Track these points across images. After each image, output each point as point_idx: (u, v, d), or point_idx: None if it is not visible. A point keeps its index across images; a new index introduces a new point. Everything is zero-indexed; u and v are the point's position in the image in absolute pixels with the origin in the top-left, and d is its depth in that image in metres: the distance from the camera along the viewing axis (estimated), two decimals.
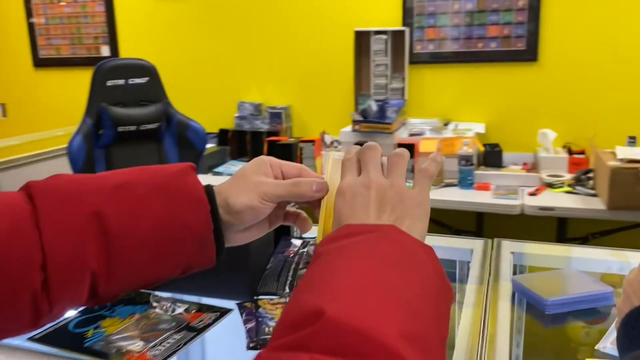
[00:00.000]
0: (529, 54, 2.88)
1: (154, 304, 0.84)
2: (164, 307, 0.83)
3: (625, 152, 2.30)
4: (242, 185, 0.59)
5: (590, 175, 2.50)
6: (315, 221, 0.68)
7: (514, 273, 0.93)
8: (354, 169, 0.55)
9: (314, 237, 1.00)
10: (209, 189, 0.57)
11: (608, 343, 0.69)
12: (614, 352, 0.68)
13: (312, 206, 0.64)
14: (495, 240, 1.07)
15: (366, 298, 0.40)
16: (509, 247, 1.03)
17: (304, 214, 0.67)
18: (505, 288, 0.85)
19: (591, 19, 2.77)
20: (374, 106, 2.78)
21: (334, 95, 3.21)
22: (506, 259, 0.98)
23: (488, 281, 0.87)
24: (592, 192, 2.40)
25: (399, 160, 0.55)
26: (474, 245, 1.05)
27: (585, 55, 2.80)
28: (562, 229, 2.55)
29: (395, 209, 0.51)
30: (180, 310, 0.83)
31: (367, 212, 0.51)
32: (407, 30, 2.95)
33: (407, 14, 2.99)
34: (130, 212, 0.53)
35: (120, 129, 1.88)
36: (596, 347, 0.69)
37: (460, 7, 2.92)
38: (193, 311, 0.83)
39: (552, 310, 0.78)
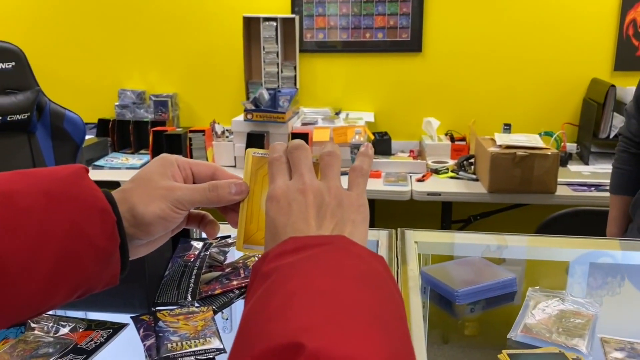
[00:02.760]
0: (414, 44, 2.98)
1: (32, 325, 0.73)
2: (45, 328, 0.72)
3: (503, 138, 2.46)
4: (149, 192, 0.50)
5: (472, 160, 2.65)
6: (220, 220, 0.62)
7: (420, 263, 0.94)
8: (285, 170, 0.50)
9: (216, 237, 0.94)
10: (108, 196, 0.48)
11: (518, 331, 0.71)
12: (525, 339, 0.70)
13: (222, 210, 0.58)
14: (399, 230, 1.07)
15: (343, 324, 0.35)
16: (412, 237, 1.04)
17: (209, 216, 0.60)
18: (414, 280, 0.84)
19: (471, 12, 2.91)
20: (265, 95, 2.72)
21: (224, 82, 3.10)
22: (411, 249, 0.98)
23: (397, 274, 0.87)
24: (474, 176, 2.55)
25: (333, 161, 0.50)
26: (379, 236, 1.04)
27: (465, 47, 2.95)
28: (447, 212, 2.68)
29: (334, 214, 0.47)
30: (64, 329, 0.73)
31: (306, 220, 0.46)
32: (296, 17, 2.92)
33: (296, 1, 2.96)
34: (17, 230, 0.42)
35: None
36: (508, 336, 0.71)
37: None
38: (80, 330, 0.73)
39: (462, 301, 0.79)
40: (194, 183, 0.55)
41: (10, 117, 1.82)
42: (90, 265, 0.46)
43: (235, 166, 2.73)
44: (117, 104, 3.04)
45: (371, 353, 0.33)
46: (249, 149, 0.57)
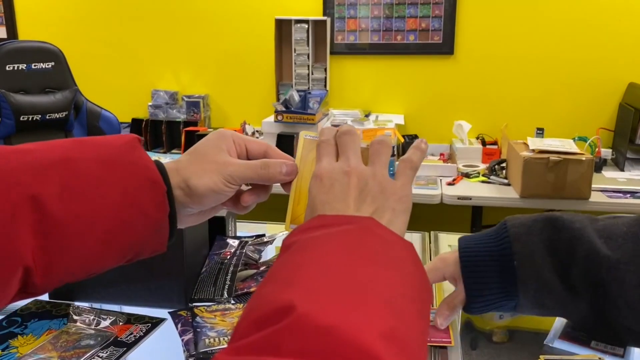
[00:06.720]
0: (446, 47, 2.96)
1: (75, 317, 0.75)
2: (87, 320, 0.74)
3: (536, 143, 2.42)
4: (203, 165, 0.52)
5: (503, 165, 2.61)
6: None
7: None
8: (332, 153, 0.51)
9: (252, 236, 0.95)
10: (159, 166, 0.50)
11: (556, 337, 0.70)
12: (563, 345, 0.69)
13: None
14: (432, 233, 1.06)
15: (341, 294, 0.35)
16: (446, 240, 1.03)
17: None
18: (448, 284, 0.84)
19: (503, 15, 2.88)
20: (296, 96, 2.74)
21: (255, 84, 3.13)
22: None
23: None
24: (506, 181, 2.51)
25: (382, 149, 0.50)
26: (411, 239, 1.04)
27: (498, 50, 2.92)
28: (477, 217, 2.65)
29: (375, 200, 0.47)
30: (105, 322, 0.74)
31: (345, 201, 0.46)
32: (328, 20, 2.93)
33: (328, 4, 2.97)
34: (77, 195, 0.45)
35: (23, 118, 1.71)
36: (545, 342, 0.70)
37: None
38: (120, 323, 0.75)
39: None
40: (247, 159, 0.56)
41: (49, 116, 1.87)
42: (141, 231, 0.48)
43: None
44: (150, 104, 3.09)
45: (363, 325, 0.33)
46: (302, 132, 0.58)
